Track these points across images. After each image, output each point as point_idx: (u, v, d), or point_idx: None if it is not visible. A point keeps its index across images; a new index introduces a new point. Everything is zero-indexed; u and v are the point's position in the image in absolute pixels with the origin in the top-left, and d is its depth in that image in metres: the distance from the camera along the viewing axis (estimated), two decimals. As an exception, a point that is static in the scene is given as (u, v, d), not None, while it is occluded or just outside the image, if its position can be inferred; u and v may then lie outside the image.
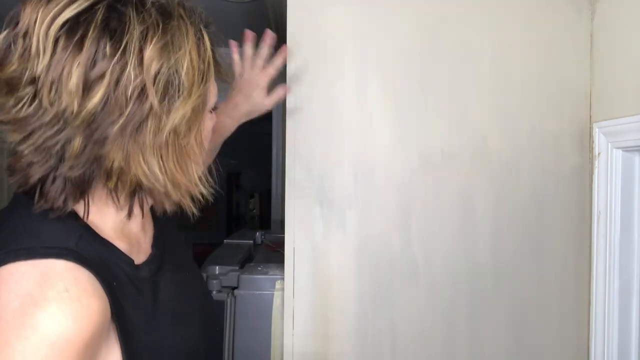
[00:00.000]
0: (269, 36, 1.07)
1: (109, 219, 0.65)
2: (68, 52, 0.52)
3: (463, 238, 1.17)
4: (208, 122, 0.68)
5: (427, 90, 1.17)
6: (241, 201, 6.22)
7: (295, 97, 1.16)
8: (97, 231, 0.63)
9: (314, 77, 1.16)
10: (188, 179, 0.63)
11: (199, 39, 0.60)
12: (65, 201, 0.59)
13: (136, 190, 0.62)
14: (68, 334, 0.51)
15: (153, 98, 0.55)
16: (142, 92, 0.55)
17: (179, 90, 0.57)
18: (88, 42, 0.52)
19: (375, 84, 1.17)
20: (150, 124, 0.56)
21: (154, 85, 0.55)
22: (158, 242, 0.75)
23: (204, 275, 1.31)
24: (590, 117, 1.19)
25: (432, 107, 1.17)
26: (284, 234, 1.17)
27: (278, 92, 1.07)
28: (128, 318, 0.61)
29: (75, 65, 0.52)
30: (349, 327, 1.16)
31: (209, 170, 0.69)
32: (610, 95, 1.13)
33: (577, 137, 1.19)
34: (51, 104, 0.53)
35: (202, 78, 0.60)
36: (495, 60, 1.18)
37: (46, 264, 0.54)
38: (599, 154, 1.15)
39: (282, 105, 1.17)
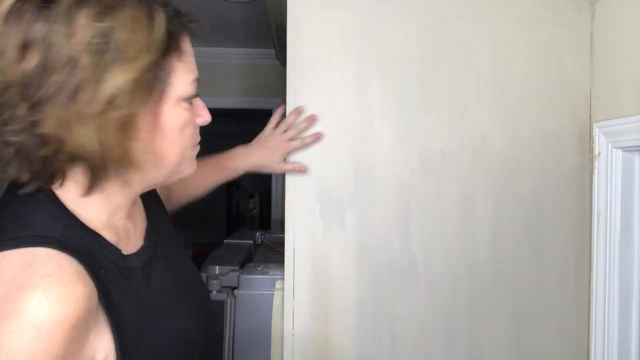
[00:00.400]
0: (312, 118, 1.15)
1: (94, 210, 0.65)
2: (9, 24, 0.54)
3: (463, 238, 1.17)
4: (180, 111, 0.66)
5: (427, 90, 1.17)
6: (241, 201, 6.22)
7: (296, 97, 1.16)
8: (83, 222, 0.64)
9: (314, 77, 1.16)
10: (133, 160, 0.61)
11: (149, 13, 0.59)
12: (19, 171, 0.59)
13: (72, 162, 0.61)
14: (53, 317, 0.52)
15: (85, 64, 0.54)
16: (75, 57, 0.54)
17: (114, 59, 0.56)
18: (26, 14, 0.54)
19: (375, 84, 1.17)
20: (85, 91, 0.55)
21: (87, 52, 0.54)
22: (151, 235, 0.76)
23: (204, 275, 1.31)
24: (590, 117, 1.19)
25: (432, 107, 1.17)
26: (284, 234, 1.17)
27: (295, 165, 1.14)
28: (118, 306, 0.62)
29: (15, 29, 0.54)
30: (349, 327, 1.16)
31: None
32: (610, 95, 1.13)
33: (577, 137, 1.19)
34: None
35: (147, 51, 0.58)
36: (495, 60, 1.18)
37: (31, 251, 0.56)
38: (599, 154, 1.15)
39: (282, 105, 1.17)
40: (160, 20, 0.61)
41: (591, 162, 1.18)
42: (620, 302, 1.09)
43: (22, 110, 0.55)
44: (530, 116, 1.18)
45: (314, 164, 1.16)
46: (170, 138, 0.66)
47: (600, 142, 1.14)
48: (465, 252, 1.17)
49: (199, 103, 0.71)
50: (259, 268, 1.36)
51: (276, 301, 1.24)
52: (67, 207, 0.63)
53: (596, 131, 1.16)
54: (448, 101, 1.17)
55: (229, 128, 5.83)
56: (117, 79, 0.56)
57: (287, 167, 1.13)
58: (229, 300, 1.28)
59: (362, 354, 1.16)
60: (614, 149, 1.10)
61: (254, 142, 1.15)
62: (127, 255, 0.69)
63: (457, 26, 1.18)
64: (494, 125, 1.18)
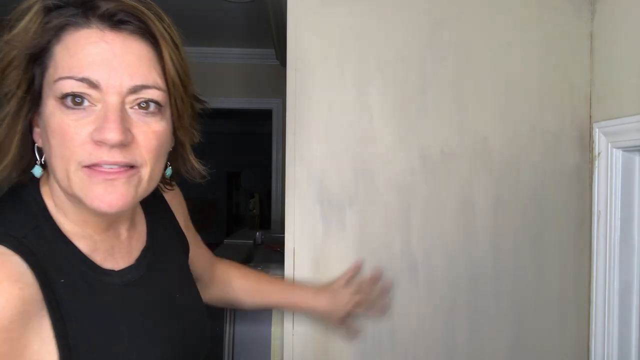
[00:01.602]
0: (387, 287, 1.12)
1: (70, 218, 0.64)
2: None
3: (463, 238, 1.17)
4: (54, 112, 0.58)
5: (427, 90, 1.17)
6: (241, 201, 6.23)
7: (295, 97, 1.16)
8: (60, 228, 0.62)
9: (314, 77, 1.16)
10: (49, 160, 0.60)
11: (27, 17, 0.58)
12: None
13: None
14: None
15: None
16: None
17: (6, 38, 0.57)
18: None
19: (375, 84, 1.17)
20: None
21: None
22: (144, 257, 0.72)
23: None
24: (590, 117, 1.19)
25: (432, 107, 1.17)
26: (284, 234, 1.17)
27: (351, 331, 1.10)
28: (72, 317, 0.59)
29: None
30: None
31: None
32: (610, 95, 1.13)
33: (577, 137, 1.19)
34: None
35: (13, 42, 0.58)
36: (495, 60, 1.18)
37: None
38: (599, 154, 1.15)
39: (282, 105, 1.17)
40: (34, 12, 0.58)
41: (591, 162, 1.18)
42: (620, 302, 1.09)
43: None
44: (530, 116, 1.18)
45: (314, 164, 1.16)
46: (50, 140, 0.59)
47: (600, 142, 1.14)
48: (465, 252, 1.17)
49: (104, 114, 0.57)
50: (259, 268, 1.36)
51: (276, 301, 1.23)
52: (49, 211, 0.62)
53: (596, 131, 1.16)
54: (448, 101, 1.17)
55: (229, 128, 5.84)
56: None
57: (342, 327, 1.10)
58: (229, 300, 1.28)
59: (362, 354, 1.16)
60: (614, 149, 1.10)
61: (323, 288, 1.09)
62: (106, 270, 0.65)
63: (457, 26, 1.18)
64: (494, 125, 1.18)
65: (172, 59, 0.62)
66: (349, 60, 1.17)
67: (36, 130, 0.63)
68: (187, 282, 0.82)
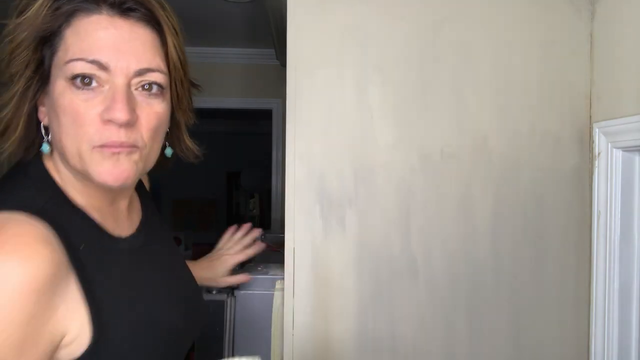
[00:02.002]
0: (256, 231, 1.26)
1: (78, 190, 0.67)
2: None
3: (463, 238, 1.17)
4: (65, 92, 0.61)
5: (427, 90, 1.17)
6: (241, 201, 6.22)
7: (296, 97, 1.16)
8: (71, 200, 0.66)
9: (314, 76, 1.16)
10: (54, 135, 0.64)
11: None
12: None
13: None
14: (17, 274, 0.52)
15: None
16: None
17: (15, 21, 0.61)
18: None
19: (375, 83, 1.17)
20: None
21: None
22: (143, 228, 0.77)
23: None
24: (590, 117, 1.19)
25: (432, 107, 1.17)
26: (284, 234, 1.17)
27: (239, 277, 1.21)
28: (95, 280, 0.61)
29: None
30: (349, 327, 1.16)
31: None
32: (610, 95, 1.13)
33: (577, 137, 1.19)
34: None
35: (21, 25, 0.61)
36: (495, 60, 1.18)
37: (7, 214, 0.57)
38: (599, 154, 1.15)
39: (282, 105, 1.17)
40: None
41: (591, 162, 1.18)
42: (620, 302, 1.09)
43: None
44: (530, 116, 1.18)
45: (314, 164, 1.16)
46: (61, 125, 0.62)
47: (600, 142, 1.14)
48: (465, 252, 1.17)
49: (113, 94, 0.61)
50: (259, 268, 1.36)
51: (276, 301, 1.23)
52: (58, 184, 0.65)
53: (596, 131, 1.16)
54: (448, 101, 1.17)
55: (229, 128, 5.84)
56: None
57: (231, 280, 1.19)
58: (229, 300, 1.28)
59: (362, 353, 1.16)
60: (614, 149, 1.10)
61: (201, 259, 1.20)
62: (115, 237, 0.69)
63: (457, 26, 1.18)
64: (494, 125, 1.18)
65: (174, 45, 0.67)
66: (349, 60, 1.17)
67: (42, 110, 0.65)
68: (180, 256, 0.88)
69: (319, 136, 1.16)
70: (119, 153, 0.62)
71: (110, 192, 0.70)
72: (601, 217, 1.13)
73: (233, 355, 1.27)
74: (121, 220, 0.73)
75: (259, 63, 3.52)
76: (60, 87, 0.61)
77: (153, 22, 0.65)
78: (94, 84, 0.61)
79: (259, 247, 1.24)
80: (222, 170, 5.99)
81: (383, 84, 1.17)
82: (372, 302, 1.16)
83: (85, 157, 0.62)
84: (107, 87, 0.62)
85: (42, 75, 0.63)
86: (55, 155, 0.66)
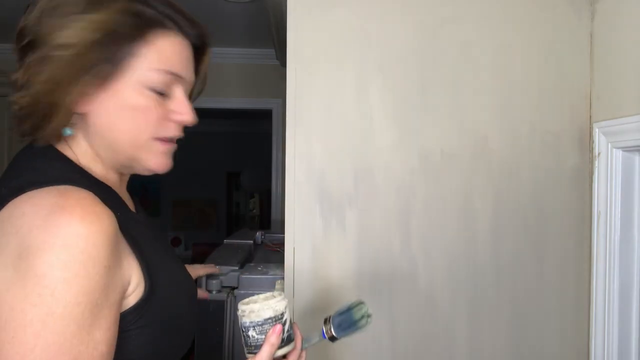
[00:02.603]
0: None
1: (99, 170, 0.73)
2: None
3: (463, 238, 1.17)
4: (139, 96, 0.70)
5: (427, 90, 1.17)
6: (241, 201, 6.22)
7: (296, 97, 1.16)
8: (95, 176, 0.72)
9: (314, 77, 1.16)
10: (89, 123, 0.70)
11: None
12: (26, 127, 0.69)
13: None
14: (95, 228, 0.59)
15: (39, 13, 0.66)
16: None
17: (61, 14, 0.65)
18: None
19: (375, 84, 1.17)
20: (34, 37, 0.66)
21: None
22: (139, 209, 0.84)
23: (204, 275, 1.31)
24: (590, 117, 1.19)
25: (432, 107, 1.17)
26: (284, 234, 1.17)
27: (206, 268, 1.27)
28: (137, 240, 0.69)
29: None
30: (349, 327, 1.15)
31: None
32: (610, 95, 1.13)
33: (577, 137, 1.19)
34: None
35: (92, 27, 0.66)
36: (495, 60, 1.18)
37: (61, 187, 0.63)
38: (599, 154, 1.15)
39: (282, 105, 1.18)
40: (118, 5, 0.67)
41: (591, 162, 1.18)
42: (620, 302, 1.09)
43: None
44: (530, 116, 1.18)
45: (314, 164, 1.16)
46: (125, 118, 0.70)
47: (600, 142, 1.14)
48: (465, 252, 1.17)
49: (181, 100, 0.73)
50: (259, 268, 1.36)
51: (276, 301, 1.23)
52: (79, 164, 0.71)
53: (596, 131, 1.16)
54: (448, 101, 1.17)
55: (229, 128, 5.84)
56: (58, 30, 0.65)
57: (199, 271, 1.23)
58: (229, 300, 1.28)
59: (363, 353, 1.16)
60: (614, 149, 1.10)
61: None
62: (131, 211, 0.78)
63: (457, 26, 1.18)
64: (494, 125, 1.18)
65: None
66: (349, 60, 1.17)
67: (83, 99, 0.69)
68: (166, 237, 0.95)
69: (319, 136, 1.16)
70: (171, 148, 0.75)
71: (120, 176, 0.78)
72: (601, 217, 1.13)
73: (233, 357, 1.27)
74: (127, 200, 0.80)
75: (259, 63, 3.52)
76: (135, 89, 0.69)
77: (197, 44, 0.78)
78: (163, 90, 0.72)
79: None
80: (222, 170, 5.99)
81: (383, 84, 1.17)
82: (372, 302, 1.16)
83: (144, 147, 0.72)
84: (173, 92, 0.73)
85: (108, 72, 0.68)
86: (79, 139, 0.72)
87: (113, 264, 0.61)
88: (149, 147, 0.72)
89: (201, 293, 1.22)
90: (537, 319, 1.18)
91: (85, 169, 0.71)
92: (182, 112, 0.74)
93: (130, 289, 0.65)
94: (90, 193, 0.63)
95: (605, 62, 1.15)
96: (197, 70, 0.79)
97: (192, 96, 0.80)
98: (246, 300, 0.77)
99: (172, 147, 0.76)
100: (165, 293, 0.70)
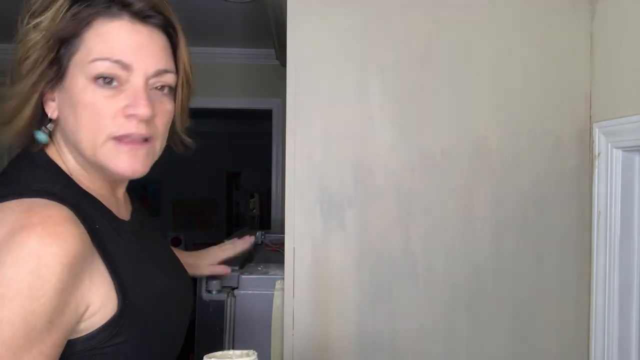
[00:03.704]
0: (249, 240, 1.29)
1: (85, 177, 0.72)
2: None
3: (463, 238, 1.17)
4: (87, 89, 0.66)
5: (427, 90, 1.17)
6: (241, 201, 6.22)
7: (295, 97, 1.16)
8: (80, 185, 0.70)
9: (314, 77, 1.16)
10: (63, 123, 0.69)
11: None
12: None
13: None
14: (52, 250, 0.57)
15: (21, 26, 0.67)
16: (21, 21, 0.67)
17: (32, 17, 0.66)
18: None
19: (375, 83, 1.17)
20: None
21: (25, 12, 0.67)
22: (135, 217, 0.82)
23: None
24: (590, 117, 1.19)
25: (432, 107, 1.17)
26: (284, 234, 1.17)
27: (220, 268, 1.22)
28: (113, 255, 0.67)
29: None
30: (349, 327, 1.16)
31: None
32: (610, 95, 1.13)
33: (577, 137, 1.19)
34: None
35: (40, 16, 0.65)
36: (495, 61, 1.18)
37: (31, 200, 0.62)
38: (599, 154, 1.15)
39: (282, 105, 1.18)
40: (60, 4, 0.66)
41: (591, 162, 1.18)
42: (620, 302, 1.09)
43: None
44: (530, 116, 1.18)
45: (314, 164, 1.16)
46: (77, 117, 0.67)
47: (600, 142, 1.14)
48: (465, 252, 1.17)
49: (132, 92, 0.67)
50: (259, 268, 1.36)
51: (276, 301, 1.23)
52: (66, 172, 0.70)
53: (596, 131, 1.16)
54: (448, 101, 1.17)
55: (228, 128, 5.84)
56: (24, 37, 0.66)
57: (213, 269, 1.21)
58: (229, 300, 1.28)
59: (362, 353, 1.16)
60: (614, 149, 1.10)
61: (195, 253, 1.25)
62: (120, 219, 0.75)
63: (457, 26, 1.18)
64: (494, 125, 1.18)
65: (185, 49, 0.74)
66: (349, 60, 1.17)
67: (50, 104, 0.69)
68: (166, 240, 0.94)
69: (319, 136, 1.16)
70: (136, 148, 0.69)
71: (112, 181, 0.76)
72: (601, 217, 1.13)
73: (233, 356, 1.27)
74: (120, 207, 0.78)
75: (259, 63, 3.52)
76: (80, 84, 0.66)
77: (168, 27, 0.72)
78: (114, 83, 0.67)
79: (247, 241, 1.27)
80: (222, 170, 5.99)
81: (383, 84, 1.17)
82: (372, 302, 1.16)
83: (102, 149, 0.67)
84: (127, 85, 0.67)
85: (57, 72, 0.67)
86: (62, 145, 0.71)
87: (67, 287, 0.58)
88: (109, 148, 0.68)
89: (220, 269, 1.20)
90: (537, 319, 1.18)
91: (73, 178, 0.70)
92: (134, 104, 0.67)
93: (91, 311, 0.63)
94: (64, 209, 0.61)
95: (605, 62, 1.15)
96: (176, 61, 0.73)
97: (177, 92, 0.75)
98: (217, 354, 0.68)
99: (141, 147, 0.69)
100: (143, 308, 0.68)
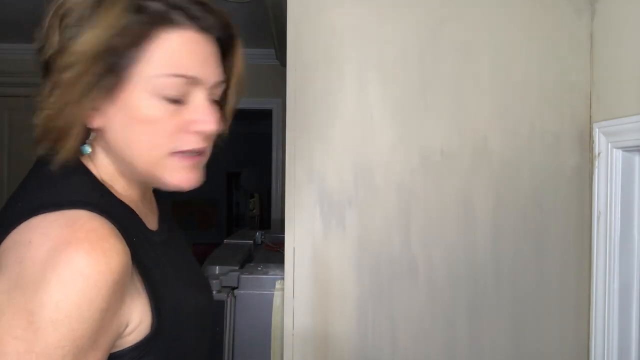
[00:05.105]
0: None
1: (122, 186, 0.69)
2: None
3: (463, 238, 1.17)
4: (151, 105, 0.63)
5: (427, 90, 1.17)
6: (241, 201, 6.22)
7: (295, 97, 1.16)
8: (115, 194, 0.67)
9: (314, 77, 1.16)
10: (108, 139, 0.65)
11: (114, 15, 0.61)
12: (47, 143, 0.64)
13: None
14: (99, 268, 0.55)
15: (54, 32, 0.61)
16: (51, 27, 0.62)
17: (77, 24, 0.61)
18: None
19: (375, 83, 1.17)
20: (58, 57, 0.61)
21: (59, 19, 0.61)
22: (162, 224, 0.79)
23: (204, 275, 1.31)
24: (590, 117, 1.19)
25: (432, 107, 1.17)
26: (284, 234, 1.17)
27: None
28: (150, 270, 0.64)
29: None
30: (349, 326, 1.16)
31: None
32: (610, 95, 1.13)
33: (577, 137, 1.19)
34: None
35: (100, 30, 0.60)
36: (495, 60, 1.18)
37: (73, 212, 0.59)
38: (599, 154, 1.15)
39: (282, 105, 1.18)
40: (117, 7, 0.60)
41: (591, 162, 1.18)
42: (620, 302, 1.09)
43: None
44: (530, 116, 1.18)
45: (314, 164, 1.16)
46: (136, 132, 0.64)
47: (600, 142, 1.14)
48: (465, 252, 1.17)
49: (199, 107, 0.65)
50: (259, 268, 1.36)
51: (276, 301, 1.23)
52: (101, 180, 0.67)
53: (596, 131, 1.16)
54: (448, 101, 1.17)
55: (229, 128, 5.83)
56: (73, 48, 0.60)
57: None
58: (229, 300, 1.28)
59: (362, 353, 1.16)
60: (614, 149, 1.10)
61: None
62: (151, 230, 0.72)
63: (457, 26, 1.18)
64: (494, 125, 1.18)
65: (241, 56, 0.71)
66: (349, 60, 1.17)
67: (92, 113, 0.64)
68: (189, 248, 0.90)
69: (319, 136, 1.16)
70: (195, 161, 0.67)
71: (145, 188, 0.74)
72: (601, 217, 1.13)
73: (233, 357, 1.27)
74: (148, 214, 0.75)
75: (259, 63, 3.52)
76: (141, 98, 0.62)
77: (223, 39, 0.68)
78: (180, 98, 0.64)
79: None
80: (222, 170, 5.99)
81: (383, 84, 1.17)
82: (372, 302, 1.16)
83: (160, 163, 0.65)
84: (190, 98, 0.64)
85: (112, 85, 0.62)
86: (98, 153, 0.67)
87: (112, 306, 0.57)
88: (167, 163, 0.65)
89: None
90: (537, 319, 1.18)
91: (107, 186, 0.67)
92: (202, 120, 0.64)
93: (130, 328, 0.61)
94: (105, 222, 0.59)
95: (605, 62, 1.15)
96: (227, 68, 0.69)
97: (228, 99, 0.72)
98: None
99: (199, 160, 0.67)
100: (173, 328, 0.66)
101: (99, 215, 0.59)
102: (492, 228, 1.17)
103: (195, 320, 0.73)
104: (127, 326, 0.61)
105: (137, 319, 0.61)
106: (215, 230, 5.83)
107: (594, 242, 1.16)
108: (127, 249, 0.59)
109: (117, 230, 0.59)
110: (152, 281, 0.63)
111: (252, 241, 1.84)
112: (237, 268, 1.36)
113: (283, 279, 1.18)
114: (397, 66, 1.17)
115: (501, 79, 1.18)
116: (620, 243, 1.09)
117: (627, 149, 1.08)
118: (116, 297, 0.57)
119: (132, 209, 0.68)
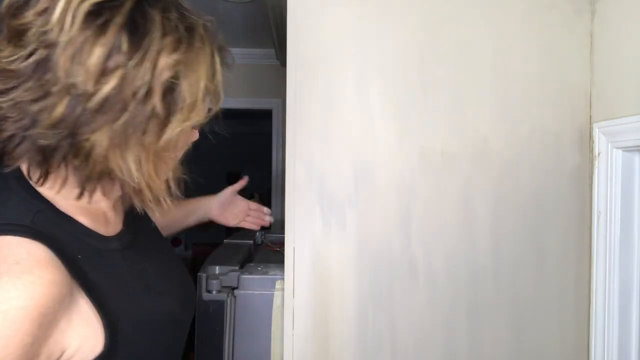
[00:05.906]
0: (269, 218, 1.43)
1: (70, 195, 0.65)
2: (90, 32, 0.54)
3: (463, 238, 1.17)
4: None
5: (427, 90, 1.17)
6: (241, 201, 6.21)
7: (295, 97, 1.16)
8: (57, 207, 0.64)
9: (314, 77, 1.16)
10: (160, 184, 0.66)
11: (213, 63, 0.64)
12: (28, 167, 0.60)
13: (102, 176, 0.62)
14: (19, 303, 0.52)
15: (157, 103, 0.57)
16: (148, 95, 0.57)
17: (182, 106, 0.60)
18: (111, 29, 0.54)
19: (375, 83, 1.17)
20: (150, 128, 0.58)
21: (161, 93, 0.57)
22: (129, 222, 0.77)
23: (204, 275, 1.31)
24: (590, 117, 1.19)
25: (432, 107, 1.17)
26: (284, 234, 1.17)
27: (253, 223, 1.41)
28: (99, 287, 0.61)
29: (97, 46, 0.54)
30: (348, 327, 1.16)
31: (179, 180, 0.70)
32: (610, 95, 1.13)
33: (577, 137, 1.19)
34: (66, 74, 0.54)
35: (205, 99, 0.63)
36: (495, 60, 1.18)
37: (1, 238, 0.56)
38: (599, 154, 1.15)
39: (282, 105, 1.18)
40: (218, 67, 0.65)
41: (591, 162, 1.18)
42: (620, 302, 1.09)
43: (60, 116, 0.55)
44: (530, 116, 1.18)
45: (314, 164, 1.16)
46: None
47: (600, 142, 1.14)
48: (465, 252, 1.17)
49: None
50: (259, 268, 1.36)
51: (276, 301, 1.23)
52: (40, 192, 0.63)
53: (596, 131, 1.16)
54: (448, 101, 1.17)
55: (228, 128, 5.84)
56: (179, 123, 0.60)
57: (245, 224, 1.37)
58: (229, 300, 1.28)
59: (362, 354, 1.16)
60: (614, 149, 1.10)
61: (220, 196, 1.42)
62: (107, 237, 0.69)
63: (457, 26, 1.18)
64: (494, 125, 1.18)
65: None
66: (349, 60, 1.17)
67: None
68: (167, 242, 0.89)
69: (319, 136, 1.16)
70: None
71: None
72: (601, 217, 1.13)
73: (233, 357, 1.27)
74: (110, 216, 0.73)
75: (259, 63, 3.52)
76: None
77: None
78: None
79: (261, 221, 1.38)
80: (222, 170, 5.99)
81: (383, 84, 1.17)
82: (372, 302, 1.16)
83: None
84: None
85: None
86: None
87: (38, 339, 0.53)
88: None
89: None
90: (537, 319, 1.18)
91: (48, 200, 0.63)
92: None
93: (67, 354, 0.58)
94: (38, 247, 0.56)
95: (605, 62, 1.15)
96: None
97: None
98: None
99: None
100: (136, 341, 0.64)
101: (30, 241, 0.56)
102: (492, 228, 1.17)
103: (165, 328, 0.71)
104: (62, 353, 0.58)
105: (75, 344, 0.58)
106: (215, 230, 5.82)
107: (594, 242, 1.16)
108: (59, 277, 0.56)
109: (50, 255, 0.56)
110: (102, 298, 0.61)
111: (252, 241, 1.84)
112: (237, 268, 1.36)
113: (283, 279, 1.18)
114: (397, 66, 1.17)
115: (501, 78, 1.18)
116: (620, 243, 1.09)
117: (627, 149, 1.08)
118: (43, 330, 0.54)
119: (76, 221, 0.65)
